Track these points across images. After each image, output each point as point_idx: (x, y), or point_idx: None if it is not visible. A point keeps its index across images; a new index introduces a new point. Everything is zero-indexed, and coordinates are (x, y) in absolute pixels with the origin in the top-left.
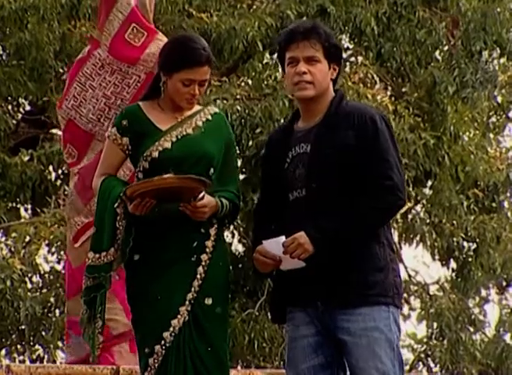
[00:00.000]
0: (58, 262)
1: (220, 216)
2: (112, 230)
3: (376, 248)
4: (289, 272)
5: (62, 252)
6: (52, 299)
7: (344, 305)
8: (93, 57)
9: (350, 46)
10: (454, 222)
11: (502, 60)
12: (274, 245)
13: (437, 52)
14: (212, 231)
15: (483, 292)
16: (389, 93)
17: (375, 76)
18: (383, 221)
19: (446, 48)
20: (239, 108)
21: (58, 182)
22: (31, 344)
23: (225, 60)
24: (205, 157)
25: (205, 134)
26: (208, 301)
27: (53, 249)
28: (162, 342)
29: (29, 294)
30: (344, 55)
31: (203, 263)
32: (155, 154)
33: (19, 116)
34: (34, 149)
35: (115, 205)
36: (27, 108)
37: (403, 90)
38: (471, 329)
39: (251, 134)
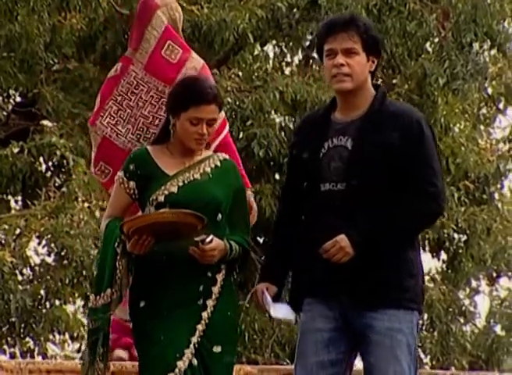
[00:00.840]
0: (49, 255)
1: (229, 259)
2: (111, 270)
3: (410, 253)
4: (316, 263)
5: (52, 245)
6: (43, 292)
7: (373, 304)
8: (128, 75)
9: None
10: (445, 213)
11: (492, 52)
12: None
13: (428, 44)
14: (219, 277)
15: (473, 283)
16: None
17: None
18: (423, 227)
19: (436, 39)
20: (229, 100)
21: (49, 174)
22: (22, 336)
23: (215, 52)
24: (212, 202)
25: (213, 180)
26: (217, 349)
27: (43, 242)
28: (176, 371)
29: (19, 286)
30: None
31: (208, 309)
32: (161, 198)
33: (10, 107)
34: (25, 141)
35: (115, 244)
36: (18, 99)
37: (394, 81)
38: (462, 320)
39: (242, 126)
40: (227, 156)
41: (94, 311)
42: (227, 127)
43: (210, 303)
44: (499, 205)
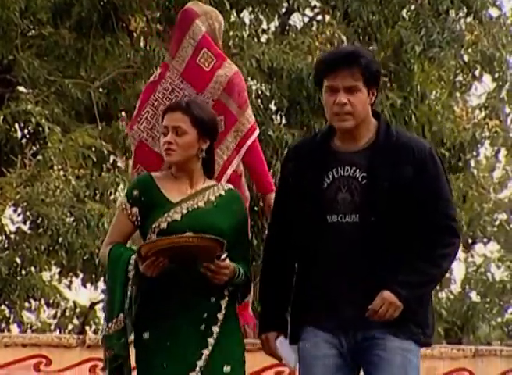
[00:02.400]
0: (24, 223)
1: (234, 283)
2: (122, 295)
3: None
4: (325, 296)
5: (27, 213)
6: (18, 260)
7: (383, 332)
8: (164, 82)
9: (318, 4)
10: None
11: (468, 19)
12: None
13: (404, 12)
14: (223, 303)
15: None
16: None
17: (342, 35)
18: (451, 265)
19: (413, 7)
20: None
21: (24, 141)
22: None
23: None
24: (215, 231)
25: (217, 209)
26: (227, 368)
27: (19, 210)
28: None
29: None
30: (311, 14)
31: (214, 335)
32: (164, 225)
33: None
34: (0, 108)
35: (128, 267)
36: None
37: (370, 49)
38: (437, 287)
39: None
40: (231, 186)
41: (108, 339)
42: (256, 133)
43: (215, 329)
44: (475, 173)
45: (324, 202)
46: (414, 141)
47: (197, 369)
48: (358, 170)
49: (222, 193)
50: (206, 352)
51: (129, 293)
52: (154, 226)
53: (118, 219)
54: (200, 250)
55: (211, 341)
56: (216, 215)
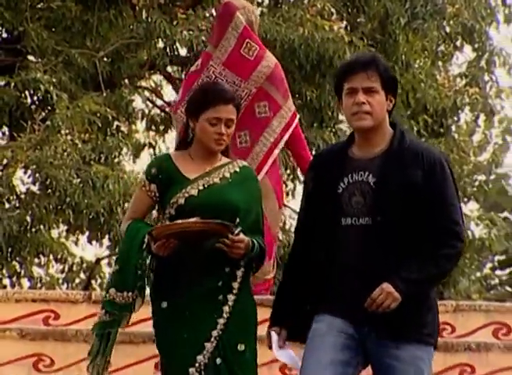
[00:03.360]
0: (34, 184)
1: (251, 255)
2: (136, 271)
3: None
4: (338, 294)
5: (37, 174)
6: (28, 218)
7: (394, 337)
8: (207, 70)
9: None
10: None
11: None
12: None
13: None
14: (239, 273)
15: None
16: (344, 24)
17: (331, 8)
18: (454, 267)
19: None
20: (203, 38)
21: (34, 108)
22: (9, 260)
23: None
24: (230, 206)
25: (232, 185)
26: (241, 347)
27: (29, 172)
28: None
29: (6, 213)
30: None
31: (229, 303)
32: (181, 201)
33: None
34: (11, 76)
35: (142, 246)
36: (4, 36)
37: (358, 21)
38: None
39: None
40: (246, 163)
41: (111, 304)
42: (297, 119)
43: (231, 298)
44: (456, 137)
45: (339, 206)
46: (424, 148)
47: (212, 339)
48: (371, 175)
49: (237, 170)
50: (221, 321)
51: (142, 266)
52: (172, 201)
53: (137, 195)
54: (209, 233)
55: (226, 309)
56: (231, 190)
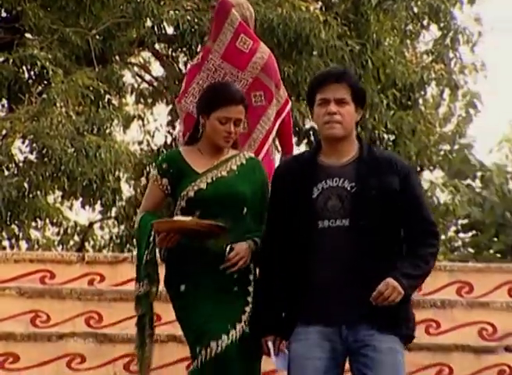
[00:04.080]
0: (31, 153)
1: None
2: (146, 262)
3: None
4: (316, 294)
5: (34, 144)
6: (26, 185)
7: (371, 331)
8: (207, 63)
9: None
10: (376, 117)
11: None
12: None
13: None
14: (252, 265)
15: None
16: (319, 5)
17: None
18: (434, 263)
19: None
20: (189, 18)
21: (31, 82)
22: (8, 224)
23: None
24: (238, 197)
25: (239, 176)
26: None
27: (26, 141)
28: (209, 350)
29: (6, 180)
30: None
31: (252, 294)
32: (191, 193)
33: None
34: (10, 52)
35: (149, 238)
36: (3, 15)
37: (332, 1)
38: None
39: (200, 41)
40: (252, 155)
41: (138, 299)
42: (289, 106)
43: (251, 289)
44: (423, 110)
45: (314, 210)
46: (395, 156)
47: (242, 323)
48: (347, 181)
49: (244, 162)
50: (248, 310)
51: (149, 256)
52: (182, 194)
53: (150, 189)
54: (203, 231)
55: (249, 299)
56: (238, 182)
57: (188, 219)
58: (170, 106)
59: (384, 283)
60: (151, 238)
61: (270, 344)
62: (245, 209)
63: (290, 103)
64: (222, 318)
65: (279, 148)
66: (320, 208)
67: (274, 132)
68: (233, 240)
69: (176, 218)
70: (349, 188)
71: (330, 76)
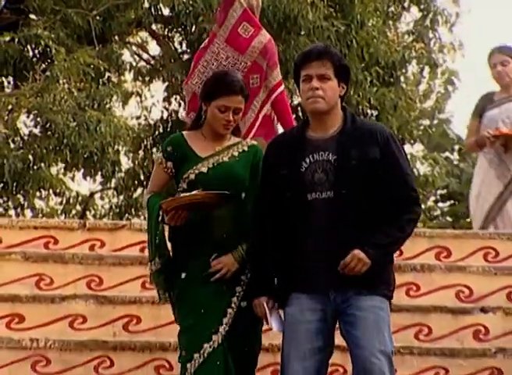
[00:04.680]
0: (36, 127)
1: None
2: (156, 239)
3: None
4: (306, 261)
5: (38, 119)
6: (31, 157)
7: (357, 293)
8: (212, 46)
9: None
10: (360, 93)
11: None
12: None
13: None
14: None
15: None
16: None
17: None
18: (414, 230)
19: None
20: (184, 0)
21: (35, 60)
22: (14, 193)
23: None
24: (237, 180)
25: (239, 162)
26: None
27: (31, 116)
28: (211, 343)
29: (12, 152)
30: None
31: (246, 271)
32: (192, 176)
33: (2, 3)
34: (15, 32)
35: (158, 218)
36: None
37: None
38: None
39: (195, 21)
40: (255, 142)
41: (152, 276)
42: (281, 87)
43: (243, 278)
44: (404, 86)
45: (303, 183)
46: (376, 127)
47: (233, 304)
48: (330, 154)
49: (246, 148)
50: (234, 300)
51: (160, 236)
52: (184, 176)
53: (156, 171)
54: (209, 203)
55: (238, 289)
56: (238, 167)
57: (194, 192)
58: (166, 83)
59: (350, 255)
60: (160, 218)
61: (265, 305)
62: (243, 194)
63: (283, 85)
64: (207, 321)
65: None
66: (308, 181)
67: (265, 109)
68: (233, 225)
69: (182, 195)
70: (332, 161)
71: (312, 54)
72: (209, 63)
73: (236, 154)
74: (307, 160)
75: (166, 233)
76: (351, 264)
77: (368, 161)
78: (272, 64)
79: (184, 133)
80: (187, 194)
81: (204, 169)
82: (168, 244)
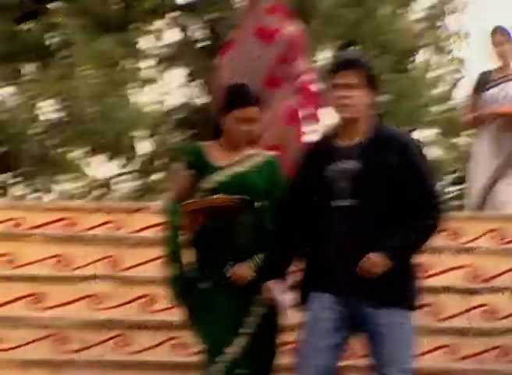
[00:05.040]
0: (57, 112)
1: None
2: (175, 247)
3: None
4: (324, 264)
5: (59, 105)
6: (51, 141)
7: (379, 304)
8: (241, 36)
9: None
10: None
11: None
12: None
13: None
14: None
15: None
16: None
17: None
18: (434, 236)
19: None
20: None
21: (56, 47)
22: (35, 177)
23: None
24: (253, 190)
25: (256, 173)
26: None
27: (52, 102)
28: (230, 349)
29: (35, 137)
30: None
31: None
32: (209, 186)
33: None
34: (36, 21)
35: (178, 222)
36: None
37: None
38: None
39: (211, 9)
40: (272, 154)
41: (169, 280)
42: (309, 75)
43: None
44: (414, 73)
45: (328, 190)
46: (395, 132)
47: (252, 314)
48: (354, 162)
49: (263, 160)
50: (258, 297)
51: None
52: (201, 186)
53: (177, 180)
54: (229, 208)
55: (257, 296)
56: (254, 178)
57: (215, 196)
58: (182, 70)
59: (366, 258)
60: (178, 222)
61: (277, 286)
62: (260, 204)
63: (310, 74)
64: (227, 328)
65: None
66: (331, 188)
67: (293, 101)
68: (254, 233)
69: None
70: (354, 169)
71: (342, 63)
72: (236, 54)
73: (252, 164)
74: (333, 168)
75: (187, 240)
76: (366, 266)
77: (388, 168)
78: (299, 53)
79: (203, 144)
80: (206, 198)
81: (221, 179)
82: (190, 251)
